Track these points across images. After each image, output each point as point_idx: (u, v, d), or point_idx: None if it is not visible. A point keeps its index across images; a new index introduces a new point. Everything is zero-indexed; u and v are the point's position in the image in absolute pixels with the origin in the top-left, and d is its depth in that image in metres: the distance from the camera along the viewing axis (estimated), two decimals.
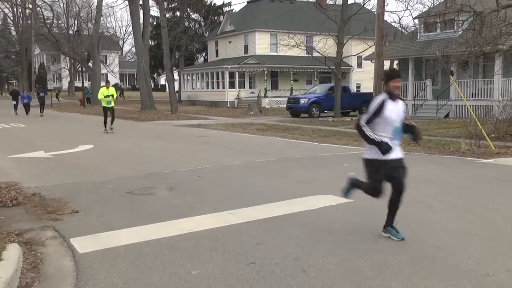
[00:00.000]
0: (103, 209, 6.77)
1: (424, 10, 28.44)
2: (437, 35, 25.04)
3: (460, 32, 22.54)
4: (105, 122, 18.93)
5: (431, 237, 5.37)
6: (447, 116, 23.83)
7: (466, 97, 22.14)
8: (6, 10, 69.50)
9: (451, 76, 20.22)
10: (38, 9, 57.78)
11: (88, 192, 7.90)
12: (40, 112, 30.85)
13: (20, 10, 67.01)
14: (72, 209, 6.72)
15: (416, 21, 28.39)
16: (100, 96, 18.81)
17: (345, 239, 5.30)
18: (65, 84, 71.44)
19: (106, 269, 4.54)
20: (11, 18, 72.11)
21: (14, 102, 32.52)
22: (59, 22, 66.15)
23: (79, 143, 15.04)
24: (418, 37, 26.64)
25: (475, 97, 22.91)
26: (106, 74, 63.10)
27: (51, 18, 60.94)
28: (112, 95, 18.95)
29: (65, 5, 59.62)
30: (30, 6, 57.52)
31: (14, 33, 79.58)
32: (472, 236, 5.40)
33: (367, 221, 6.00)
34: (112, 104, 18.90)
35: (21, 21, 68.98)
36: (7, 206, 6.89)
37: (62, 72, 71.99)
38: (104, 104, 18.83)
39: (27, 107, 30.67)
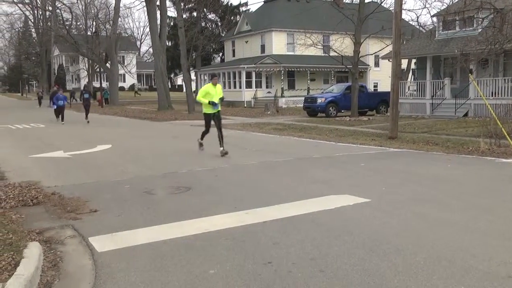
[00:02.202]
0: (121, 208, 6.83)
1: (442, 8, 28.10)
2: (456, 33, 24.70)
3: (480, 30, 22.21)
4: (204, 134, 12.56)
5: (451, 237, 5.29)
6: (466, 115, 23.50)
7: (486, 96, 21.78)
8: (27, 13, 70.79)
9: (470, 74, 19.93)
10: (58, 11, 58.75)
11: (106, 192, 7.98)
12: (86, 118, 25.48)
13: (40, 13, 68.12)
14: (90, 208, 6.80)
15: (434, 19, 28.03)
16: (201, 97, 12.05)
17: (362, 239, 5.26)
18: (83, 84, 72.33)
19: (124, 268, 4.58)
20: (32, 20, 73.36)
21: (55, 107, 25.75)
22: (78, 23, 67.00)
23: (97, 143, 15.21)
24: (437, 35, 26.31)
25: (495, 95, 22.52)
26: (124, 75, 63.67)
27: (70, 19, 61.82)
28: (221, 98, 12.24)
29: (83, 7, 60.33)
30: (50, 8, 58.47)
31: (34, 35, 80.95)
32: (493, 237, 5.30)
33: (384, 221, 5.95)
34: (219, 109, 12.27)
35: (41, 23, 70.07)
36: (27, 205, 7.01)
37: (80, 73, 72.86)
38: (207, 109, 12.09)
39: (61, 111, 24.82)
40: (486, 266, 4.45)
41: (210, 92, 12.00)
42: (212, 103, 11.92)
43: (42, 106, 45.08)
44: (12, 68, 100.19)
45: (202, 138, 12.68)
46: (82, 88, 33.75)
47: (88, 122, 24.72)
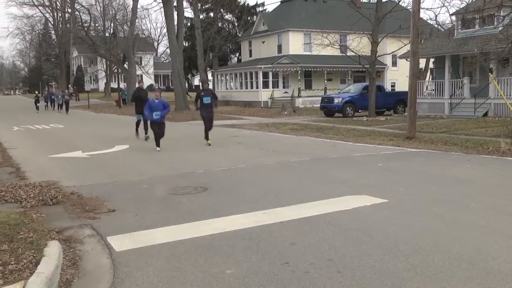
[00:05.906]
0: (139, 208, 6.88)
1: (461, 6, 27.72)
2: (475, 32, 24.35)
3: (501, 28, 21.87)
4: None
5: (470, 238, 5.22)
6: (485, 115, 23.15)
7: (507, 95, 21.45)
8: (47, 15, 71.94)
9: (490, 73, 19.64)
10: (77, 13, 59.55)
11: (124, 192, 8.06)
12: (206, 139, 15.04)
13: (59, 15, 69.15)
14: (108, 208, 6.87)
15: (453, 17, 27.66)
16: None
17: (380, 239, 5.22)
18: (101, 85, 73.13)
19: (142, 267, 4.62)
20: (52, 22, 74.50)
21: (139, 118, 16.75)
22: (96, 25, 67.81)
23: (116, 143, 15.36)
24: (455, 34, 25.97)
25: None
26: (142, 75, 64.20)
27: (89, 21, 62.59)
28: None
29: (102, 9, 61.09)
30: (69, 10, 59.27)
31: (54, 36, 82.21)
32: None
33: (402, 221, 5.90)
34: None
35: (60, 25, 71.14)
36: (47, 205, 7.11)
37: (98, 73, 73.75)
38: None
39: (161, 132, 13.74)
40: (508, 268, 4.38)
41: None
42: None
43: (41, 110, 39.86)
44: (32, 69, 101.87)
45: None
46: (200, 86, 20.87)
47: (209, 143, 14.73)
